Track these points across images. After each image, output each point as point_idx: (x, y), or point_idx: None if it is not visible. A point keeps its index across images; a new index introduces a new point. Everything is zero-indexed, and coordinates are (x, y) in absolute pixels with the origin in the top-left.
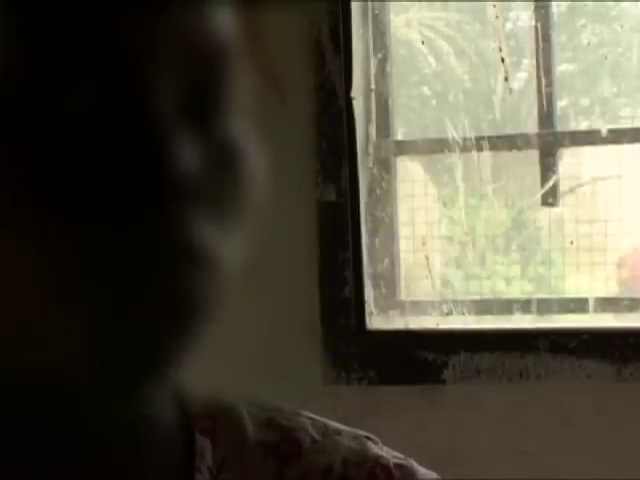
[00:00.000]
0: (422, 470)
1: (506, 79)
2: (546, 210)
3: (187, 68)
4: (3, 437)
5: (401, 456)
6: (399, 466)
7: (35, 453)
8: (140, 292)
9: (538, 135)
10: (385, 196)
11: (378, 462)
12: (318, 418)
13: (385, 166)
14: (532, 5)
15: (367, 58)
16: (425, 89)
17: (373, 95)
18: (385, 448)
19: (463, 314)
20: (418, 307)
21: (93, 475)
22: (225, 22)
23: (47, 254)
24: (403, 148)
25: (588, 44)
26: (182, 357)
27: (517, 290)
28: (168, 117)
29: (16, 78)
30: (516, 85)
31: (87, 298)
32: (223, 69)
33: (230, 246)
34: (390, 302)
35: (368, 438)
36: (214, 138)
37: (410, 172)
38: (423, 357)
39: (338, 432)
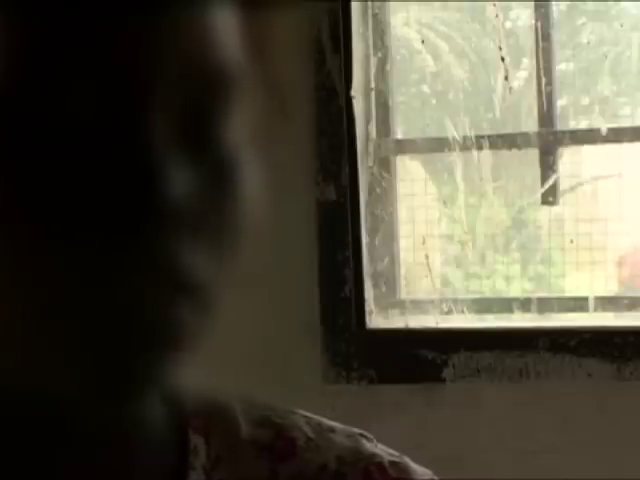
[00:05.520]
0: (416, 468)
1: (506, 78)
2: (546, 209)
3: (188, 85)
4: None
5: (396, 454)
6: (393, 464)
7: (24, 454)
8: (124, 315)
9: (538, 134)
10: (385, 195)
11: (372, 460)
12: (312, 416)
13: (385, 165)
14: (532, 4)
15: (367, 57)
16: (425, 88)
17: (373, 94)
18: (379, 446)
19: (463, 313)
20: (418, 306)
21: (86, 475)
22: (230, 37)
23: (33, 271)
24: (403, 147)
25: (588, 43)
26: (166, 374)
27: (517, 289)
28: (163, 136)
29: (12, 90)
30: (516, 84)
31: (72, 316)
32: (226, 87)
33: (220, 270)
34: (390, 301)
35: (362, 436)
36: (212, 157)
37: (410, 171)
38: (423, 356)
39: (332, 430)
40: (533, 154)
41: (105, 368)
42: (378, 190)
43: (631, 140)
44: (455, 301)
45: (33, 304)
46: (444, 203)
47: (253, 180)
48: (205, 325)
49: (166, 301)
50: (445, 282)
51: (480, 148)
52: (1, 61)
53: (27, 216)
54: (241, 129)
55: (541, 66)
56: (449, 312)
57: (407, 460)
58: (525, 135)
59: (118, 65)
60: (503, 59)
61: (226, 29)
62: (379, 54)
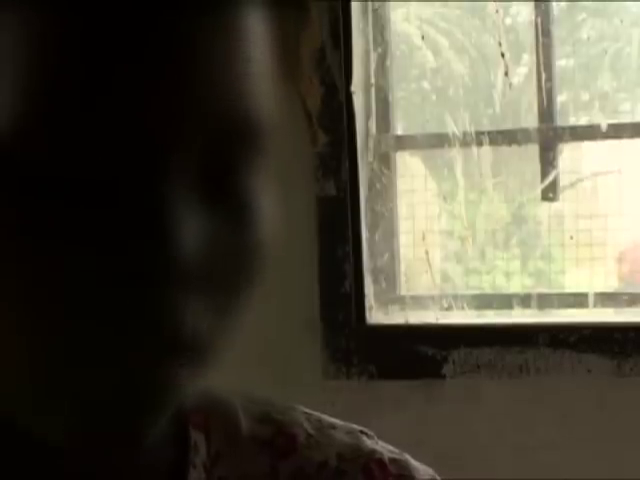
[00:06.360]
0: (417, 465)
1: (506, 74)
2: (546, 205)
3: (212, 137)
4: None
5: (396, 450)
6: (394, 460)
7: (29, 448)
8: (121, 375)
9: (538, 130)
10: (385, 191)
11: (373, 456)
12: (312, 412)
13: (385, 161)
14: (532, 0)
15: (367, 53)
16: (425, 84)
17: (373, 90)
18: (380, 442)
19: (463, 309)
20: (418, 302)
21: (87, 470)
22: (262, 66)
23: (36, 321)
24: (403, 143)
25: (588, 39)
26: (162, 426)
27: (517, 285)
28: (181, 189)
29: (28, 142)
30: (516, 80)
31: (71, 372)
32: (253, 137)
33: (227, 327)
34: (390, 297)
35: (363, 432)
36: (231, 206)
37: (410, 167)
38: (423, 352)
39: (333, 426)
40: (533, 150)
41: (101, 427)
42: (378, 186)
43: (631, 136)
44: (455, 297)
45: (33, 355)
46: (444, 199)
47: (270, 222)
48: (204, 377)
49: (166, 362)
50: (445, 278)
51: (480, 144)
52: (21, 112)
53: (34, 267)
54: (264, 172)
55: (541, 62)
56: (449, 308)
57: (408, 457)
58: (525, 131)
59: (137, 118)
60: (503, 55)
61: (258, 58)
62: (379, 50)
